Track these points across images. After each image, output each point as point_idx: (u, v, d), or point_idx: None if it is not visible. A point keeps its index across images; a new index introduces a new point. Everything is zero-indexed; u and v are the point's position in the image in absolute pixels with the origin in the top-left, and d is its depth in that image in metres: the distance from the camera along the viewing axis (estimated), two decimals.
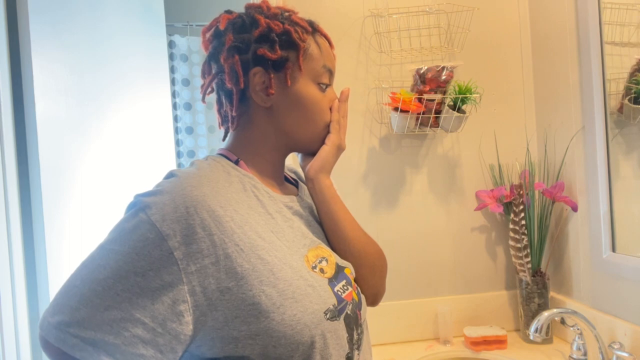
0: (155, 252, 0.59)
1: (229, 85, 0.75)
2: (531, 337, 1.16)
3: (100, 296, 0.58)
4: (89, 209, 1.86)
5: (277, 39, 0.74)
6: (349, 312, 0.72)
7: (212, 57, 0.77)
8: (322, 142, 0.81)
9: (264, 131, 0.77)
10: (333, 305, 0.68)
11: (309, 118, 0.77)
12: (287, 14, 0.78)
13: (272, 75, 0.74)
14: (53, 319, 0.59)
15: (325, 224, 0.80)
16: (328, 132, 0.81)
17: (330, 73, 0.79)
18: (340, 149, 0.82)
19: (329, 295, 0.69)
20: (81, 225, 1.83)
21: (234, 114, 0.77)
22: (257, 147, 0.77)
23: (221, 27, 0.75)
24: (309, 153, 0.83)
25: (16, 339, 1.63)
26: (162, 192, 0.63)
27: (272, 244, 0.67)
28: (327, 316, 0.67)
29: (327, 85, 0.79)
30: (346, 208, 0.82)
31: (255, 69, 0.74)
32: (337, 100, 0.82)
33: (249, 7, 0.78)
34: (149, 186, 0.66)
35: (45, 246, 1.73)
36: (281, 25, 0.74)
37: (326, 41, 0.80)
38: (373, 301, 0.86)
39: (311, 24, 0.79)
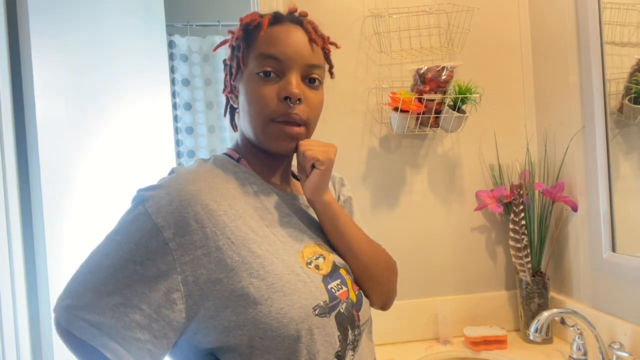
0: (152, 242, 0.63)
1: (222, 93, 0.85)
2: (531, 337, 1.16)
3: (104, 283, 0.62)
4: (89, 209, 1.86)
5: (233, 44, 0.78)
6: (342, 310, 0.71)
7: None
8: (270, 139, 0.75)
9: (241, 130, 0.81)
10: (324, 302, 0.69)
11: (250, 111, 0.74)
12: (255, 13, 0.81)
13: (231, 79, 0.80)
14: (64, 302, 0.64)
15: (332, 241, 0.80)
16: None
17: (274, 59, 0.73)
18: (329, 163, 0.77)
19: (321, 291, 0.69)
20: (81, 225, 1.83)
21: (224, 116, 0.86)
22: (247, 146, 0.81)
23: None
24: (275, 154, 0.78)
25: (16, 339, 1.62)
26: (161, 186, 0.67)
27: (266, 239, 0.69)
28: (316, 312, 0.67)
29: (274, 74, 0.73)
30: (350, 220, 0.82)
31: (226, 76, 0.82)
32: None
33: None
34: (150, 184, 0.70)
35: (45, 246, 1.73)
36: (239, 31, 0.78)
37: (286, 28, 0.75)
38: (383, 307, 0.88)
39: (261, 17, 0.76)
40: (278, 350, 0.65)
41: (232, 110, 0.86)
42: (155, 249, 0.63)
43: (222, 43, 0.82)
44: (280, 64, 0.73)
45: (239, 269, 0.65)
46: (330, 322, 0.69)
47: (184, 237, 0.63)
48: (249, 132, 0.77)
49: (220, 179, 0.72)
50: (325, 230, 0.80)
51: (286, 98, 0.73)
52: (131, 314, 0.61)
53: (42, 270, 1.75)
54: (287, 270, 0.68)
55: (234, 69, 0.78)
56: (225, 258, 0.65)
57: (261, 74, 0.73)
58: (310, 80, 0.76)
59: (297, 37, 0.75)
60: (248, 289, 0.64)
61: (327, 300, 0.69)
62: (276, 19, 0.76)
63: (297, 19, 0.78)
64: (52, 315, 0.66)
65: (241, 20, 0.79)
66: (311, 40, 0.76)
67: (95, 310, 0.61)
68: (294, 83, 0.73)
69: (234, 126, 0.86)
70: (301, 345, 0.66)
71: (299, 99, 0.73)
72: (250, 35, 0.76)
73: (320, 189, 0.77)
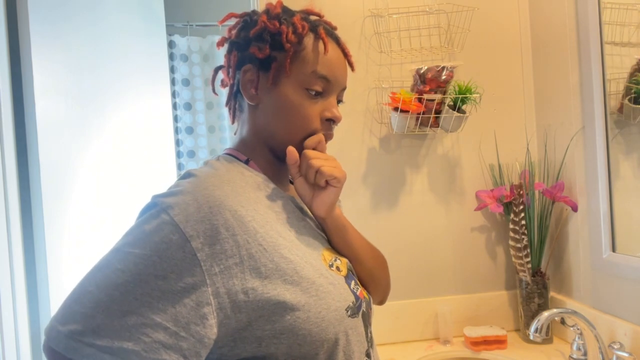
0: (178, 253, 0.58)
1: (225, 79, 0.77)
2: (531, 337, 1.16)
3: (118, 302, 0.56)
4: (89, 209, 1.86)
5: (269, 38, 0.73)
6: (364, 309, 0.73)
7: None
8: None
9: (256, 131, 0.76)
10: (352, 303, 0.69)
11: (288, 123, 0.73)
12: (299, 15, 0.75)
13: (260, 75, 0.74)
14: (64, 327, 0.56)
15: (339, 250, 0.80)
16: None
17: (326, 80, 0.74)
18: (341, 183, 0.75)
19: (348, 292, 0.70)
20: (81, 225, 1.83)
21: (225, 106, 0.80)
22: (255, 146, 0.77)
23: (233, 25, 0.78)
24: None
25: (16, 339, 1.63)
26: (184, 192, 0.62)
27: (293, 243, 0.68)
28: (348, 313, 0.68)
29: (319, 93, 0.74)
30: (355, 230, 0.82)
31: (247, 66, 0.74)
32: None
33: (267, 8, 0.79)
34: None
35: (45, 246, 1.73)
36: (277, 25, 0.73)
37: (333, 48, 0.75)
38: (381, 302, 0.89)
39: (313, 27, 0.75)
40: (317, 354, 0.64)
41: (235, 100, 0.80)
42: (181, 261, 0.57)
43: (256, 30, 0.74)
44: (329, 85, 0.74)
45: (273, 276, 0.62)
46: (359, 322, 0.70)
47: (214, 247, 0.59)
48: (275, 138, 0.74)
49: (240, 183, 0.68)
50: (333, 242, 0.79)
51: (329, 120, 0.75)
52: (153, 334, 0.55)
53: (42, 271, 1.74)
54: (317, 273, 0.67)
55: (274, 69, 0.72)
56: (259, 266, 0.61)
57: (311, 92, 0.73)
58: (337, 101, 0.79)
59: (342, 61, 0.77)
60: (284, 296, 0.61)
61: (354, 300, 0.70)
62: (326, 32, 0.75)
63: (336, 35, 0.78)
64: (44, 340, 0.58)
65: (296, 21, 0.73)
66: (348, 63, 0.79)
67: (106, 334, 0.55)
68: (336, 106, 0.76)
69: (233, 116, 0.81)
70: (338, 348, 0.66)
71: None
72: (300, 42, 0.73)
73: (334, 206, 0.76)
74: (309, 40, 0.73)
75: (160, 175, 2.04)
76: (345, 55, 0.78)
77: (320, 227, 0.80)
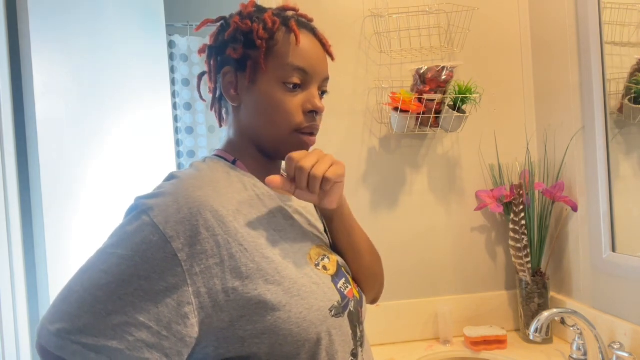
0: (159, 254, 0.59)
1: (209, 84, 0.78)
2: (531, 337, 1.16)
3: (103, 302, 0.57)
4: (88, 209, 1.86)
5: (242, 38, 0.73)
6: (351, 309, 0.73)
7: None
8: (290, 148, 0.73)
9: (242, 131, 0.77)
10: (337, 302, 0.69)
11: (270, 120, 0.73)
12: (271, 12, 0.75)
13: (238, 75, 0.74)
14: (52, 326, 0.58)
15: (341, 241, 0.80)
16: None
17: (302, 72, 0.72)
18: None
19: (333, 292, 0.69)
20: (81, 225, 1.83)
21: (210, 110, 0.81)
22: (243, 147, 0.77)
23: (213, 31, 0.78)
24: (280, 159, 0.78)
25: (16, 339, 1.63)
26: (165, 194, 0.63)
27: (276, 243, 0.68)
28: (332, 313, 0.67)
29: (298, 85, 0.73)
30: (355, 221, 0.83)
31: (225, 68, 0.75)
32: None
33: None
34: (149, 186, 0.67)
35: (45, 246, 1.73)
36: (249, 24, 0.73)
37: (309, 39, 0.74)
38: (375, 300, 0.89)
39: (285, 20, 0.74)
40: (299, 355, 0.64)
41: (220, 104, 0.81)
42: (163, 261, 0.59)
43: (230, 31, 0.73)
44: (307, 77, 0.73)
45: (254, 276, 0.62)
46: (345, 321, 0.70)
47: (195, 247, 0.60)
48: (260, 136, 0.74)
49: (224, 183, 0.68)
50: (336, 232, 0.79)
51: (311, 111, 0.74)
52: (136, 333, 0.57)
53: (42, 271, 1.75)
54: (300, 273, 0.67)
55: (249, 68, 0.72)
56: (239, 266, 0.62)
57: (289, 86, 0.72)
58: (321, 92, 0.77)
59: (319, 50, 0.76)
60: (265, 296, 0.62)
61: (340, 300, 0.70)
62: (299, 24, 0.74)
63: (311, 27, 0.77)
64: (36, 339, 0.60)
65: (266, 17, 0.72)
66: (327, 53, 0.78)
67: (92, 332, 0.56)
68: (318, 97, 0.75)
69: (221, 120, 0.82)
70: (321, 348, 0.66)
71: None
72: (272, 38, 0.72)
73: (342, 196, 0.77)
74: (281, 34, 0.73)
75: (160, 175, 2.04)
76: (323, 45, 0.77)
77: (314, 226, 0.80)
